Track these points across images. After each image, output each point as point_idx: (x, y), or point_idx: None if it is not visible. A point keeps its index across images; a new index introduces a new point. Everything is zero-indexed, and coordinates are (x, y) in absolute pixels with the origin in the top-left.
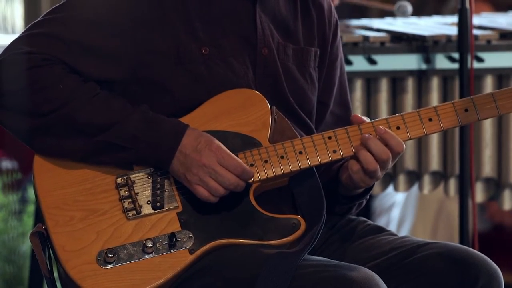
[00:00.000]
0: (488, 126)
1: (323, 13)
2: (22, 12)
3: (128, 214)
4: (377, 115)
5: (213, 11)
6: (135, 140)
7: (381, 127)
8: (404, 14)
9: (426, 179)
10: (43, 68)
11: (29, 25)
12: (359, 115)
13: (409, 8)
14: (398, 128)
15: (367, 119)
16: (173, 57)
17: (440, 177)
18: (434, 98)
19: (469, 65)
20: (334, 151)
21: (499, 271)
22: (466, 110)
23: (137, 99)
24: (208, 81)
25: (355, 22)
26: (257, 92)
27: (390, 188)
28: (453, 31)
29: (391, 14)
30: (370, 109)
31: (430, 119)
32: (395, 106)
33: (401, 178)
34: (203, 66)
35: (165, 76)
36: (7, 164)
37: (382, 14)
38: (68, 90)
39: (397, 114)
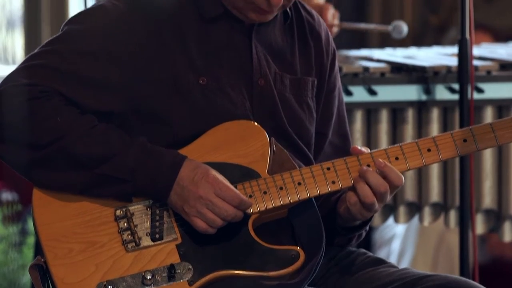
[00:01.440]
0: (488, 157)
1: (321, 42)
2: (23, 43)
3: (127, 246)
4: (377, 146)
5: (210, 41)
6: (133, 172)
7: (380, 160)
8: (400, 34)
9: (427, 211)
10: (40, 100)
11: (27, 57)
12: (358, 147)
13: (405, 28)
14: (396, 158)
15: (366, 150)
16: (171, 88)
17: (440, 209)
18: (434, 129)
19: (469, 96)
20: (333, 182)
21: None
22: (465, 141)
23: (135, 130)
24: (206, 111)
25: (355, 52)
26: (255, 123)
27: (391, 220)
28: (453, 61)
29: (387, 35)
30: (370, 140)
31: (429, 150)
32: (395, 137)
33: (401, 210)
34: (201, 96)
35: (163, 106)
36: (7, 195)
37: (381, 40)
38: (66, 122)
39: (395, 145)
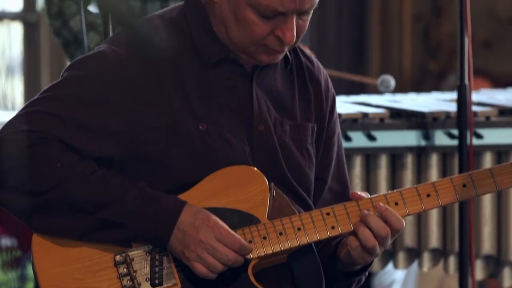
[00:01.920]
0: (487, 203)
1: (320, 88)
2: (22, 89)
3: None
4: (377, 191)
5: (211, 86)
6: (133, 218)
7: (381, 204)
8: (387, 88)
9: (426, 256)
10: (40, 147)
11: (27, 103)
12: (358, 192)
13: (392, 82)
14: (396, 204)
15: (366, 195)
16: (170, 134)
17: (439, 254)
18: (434, 174)
19: (468, 141)
20: (333, 227)
21: None
22: (464, 186)
23: (135, 175)
24: (205, 158)
25: (354, 98)
26: (255, 168)
27: (390, 266)
28: (452, 107)
29: (374, 88)
30: (369, 185)
31: (428, 195)
32: (394, 182)
33: (401, 255)
34: (200, 143)
35: (163, 152)
36: (6, 241)
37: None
38: (66, 168)
39: (395, 190)
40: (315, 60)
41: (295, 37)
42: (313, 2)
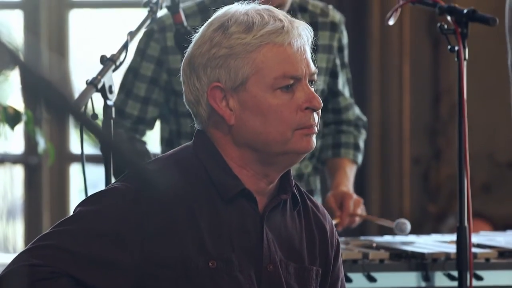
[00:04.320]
0: None
1: (326, 234)
2: (23, 232)
3: None
4: None
5: (222, 224)
6: None
7: None
8: (403, 232)
9: None
10: (49, 281)
11: (39, 237)
12: None
13: (408, 226)
14: None
15: None
16: (179, 271)
17: None
18: None
19: (468, 283)
20: None
21: None
22: None
23: None
24: None
25: (354, 239)
26: None
27: None
28: (452, 249)
29: (390, 230)
30: None
31: None
32: None
33: None
34: (209, 280)
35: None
36: None
37: (381, 231)
38: None
39: None
40: (320, 206)
41: (320, 99)
42: (314, 69)
